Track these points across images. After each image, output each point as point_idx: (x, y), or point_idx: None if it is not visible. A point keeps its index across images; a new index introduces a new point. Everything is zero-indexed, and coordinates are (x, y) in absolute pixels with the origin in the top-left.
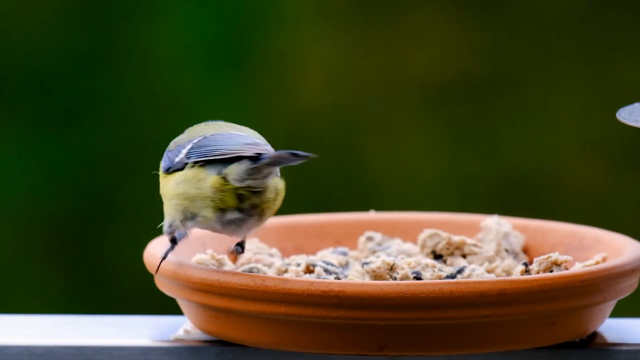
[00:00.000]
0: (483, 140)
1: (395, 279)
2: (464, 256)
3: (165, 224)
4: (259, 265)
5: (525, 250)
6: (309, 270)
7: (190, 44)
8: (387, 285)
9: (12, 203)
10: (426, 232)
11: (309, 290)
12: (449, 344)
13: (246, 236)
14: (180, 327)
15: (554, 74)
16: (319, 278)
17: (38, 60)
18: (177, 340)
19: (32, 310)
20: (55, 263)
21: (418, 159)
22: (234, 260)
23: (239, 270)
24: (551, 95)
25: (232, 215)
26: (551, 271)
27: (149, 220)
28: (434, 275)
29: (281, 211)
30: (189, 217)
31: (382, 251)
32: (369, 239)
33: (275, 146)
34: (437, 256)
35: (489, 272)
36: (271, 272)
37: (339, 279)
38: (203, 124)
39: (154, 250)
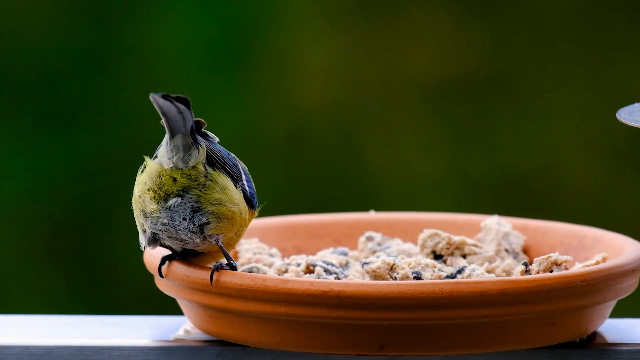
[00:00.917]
0: (483, 140)
1: (395, 279)
2: (464, 256)
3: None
4: (259, 265)
5: (525, 250)
6: (309, 270)
7: (190, 44)
8: (387, 285)
9: (12, 203)
10: (426, 232)
11: (309, 290)
12: (449, 344)
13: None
14: (180, 327)
15: (554, 74)
16: (319, 278)
17: (38, 61)
18: (177, 340)
19: (32, 310)
20: (55, 263)
21: (418, 159)
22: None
23: (239, 270)
24: (551, 95)
25: (173, 200)
26: (551, 271)
27: None
28: (434, 275)
29: (281, 211)
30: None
31: (382, 251)
32: (369, 239)
33: (275, 146)
34: (437, 256)
35: (489, 272)
36: (271, 272)
37: (339, 279)
38: None
39: (154, 250)
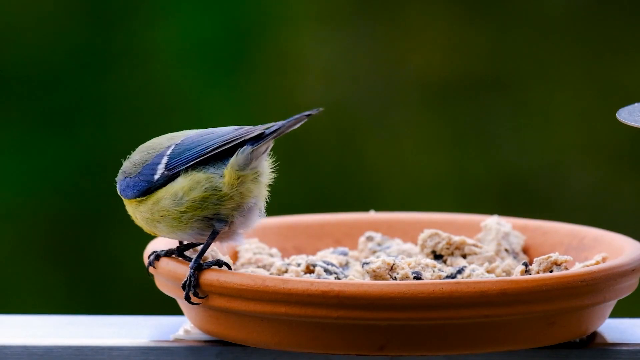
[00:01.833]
0: (483, 140)
1: (395, 279)
2: (464, 256)
3: (152, 254)
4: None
5: (525, 250)
6: (309, 270)
7: (191, 44)
8: (387, 285)
9: (12, 203)
10: (426, 232)
11: (309, 290)
12: (449, 344)
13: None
14: (180, 327)
15: (554, 74)
16: (319, 278)
17: (38, 61)
18: (177, 340)
19: (32, 310)
20: (55, 263)
21: (418, 159)
22: (234, 260)
23: (239, 270)
24: (551, 95)
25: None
26: (551, 271)
27: None
28: (434, 275)
29: (281, 211)
30: (201, 226)
31: (382, 251)
32: (369, 239)
33: (275, 145)
34: (437, 256)
35: (489, 272)
36: (260, 272)
37: (339, 279)
38: (150, 140)
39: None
